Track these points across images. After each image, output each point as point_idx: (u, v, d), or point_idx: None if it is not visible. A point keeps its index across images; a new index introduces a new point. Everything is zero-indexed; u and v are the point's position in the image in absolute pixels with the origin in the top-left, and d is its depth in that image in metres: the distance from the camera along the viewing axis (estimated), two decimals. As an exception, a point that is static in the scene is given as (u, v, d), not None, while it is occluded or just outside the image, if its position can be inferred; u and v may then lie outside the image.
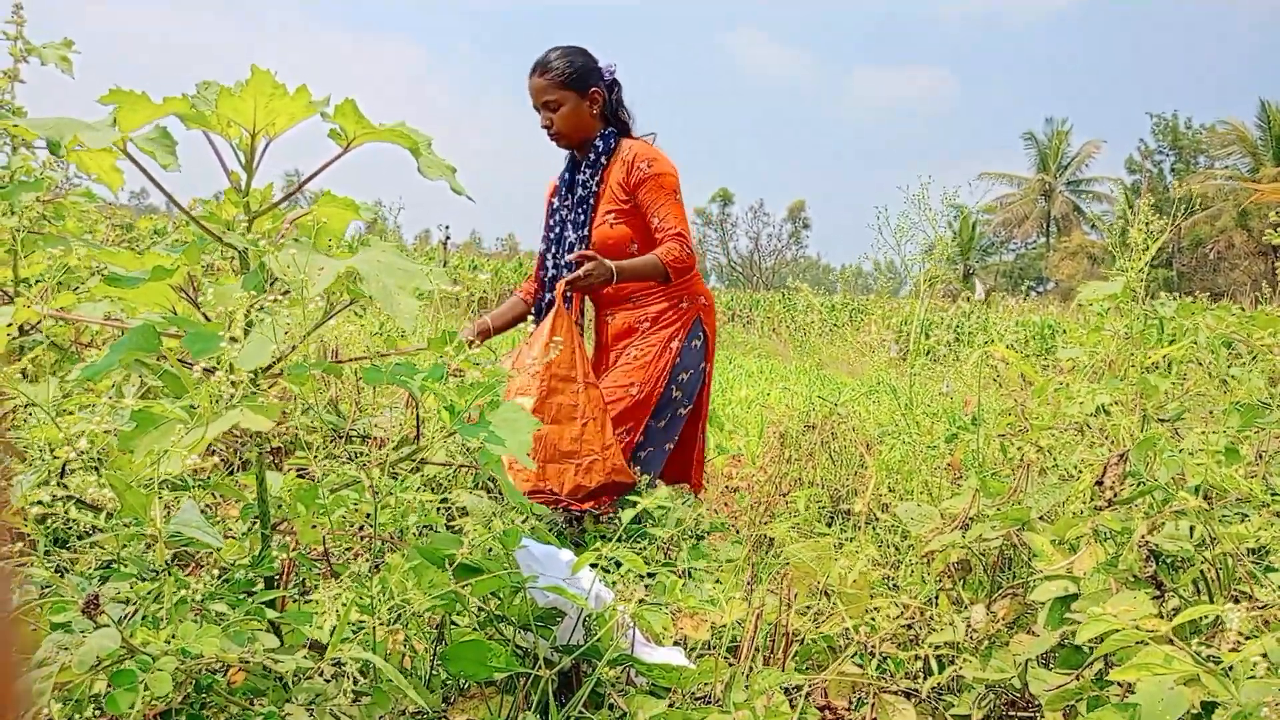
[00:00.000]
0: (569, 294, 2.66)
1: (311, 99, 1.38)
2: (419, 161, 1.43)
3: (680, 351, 2.89)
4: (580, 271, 2.64)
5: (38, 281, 2.23)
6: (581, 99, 2.87)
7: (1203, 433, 1.83)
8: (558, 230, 2.99)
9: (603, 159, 2.91)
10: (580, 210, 2.92)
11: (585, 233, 2.92)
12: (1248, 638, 1.36)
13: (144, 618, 0.96)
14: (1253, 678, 1.21)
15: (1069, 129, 48.97)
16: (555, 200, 3.04)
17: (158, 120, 1.35)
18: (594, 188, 2.90)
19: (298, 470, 2.39)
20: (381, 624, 1.39)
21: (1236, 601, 1.67)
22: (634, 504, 1.49)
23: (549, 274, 3.00)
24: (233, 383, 1.05)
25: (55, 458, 0.96)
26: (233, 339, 1.04)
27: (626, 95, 3.01)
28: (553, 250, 2.99)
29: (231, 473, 2.74)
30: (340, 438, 2.47)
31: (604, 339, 2.99)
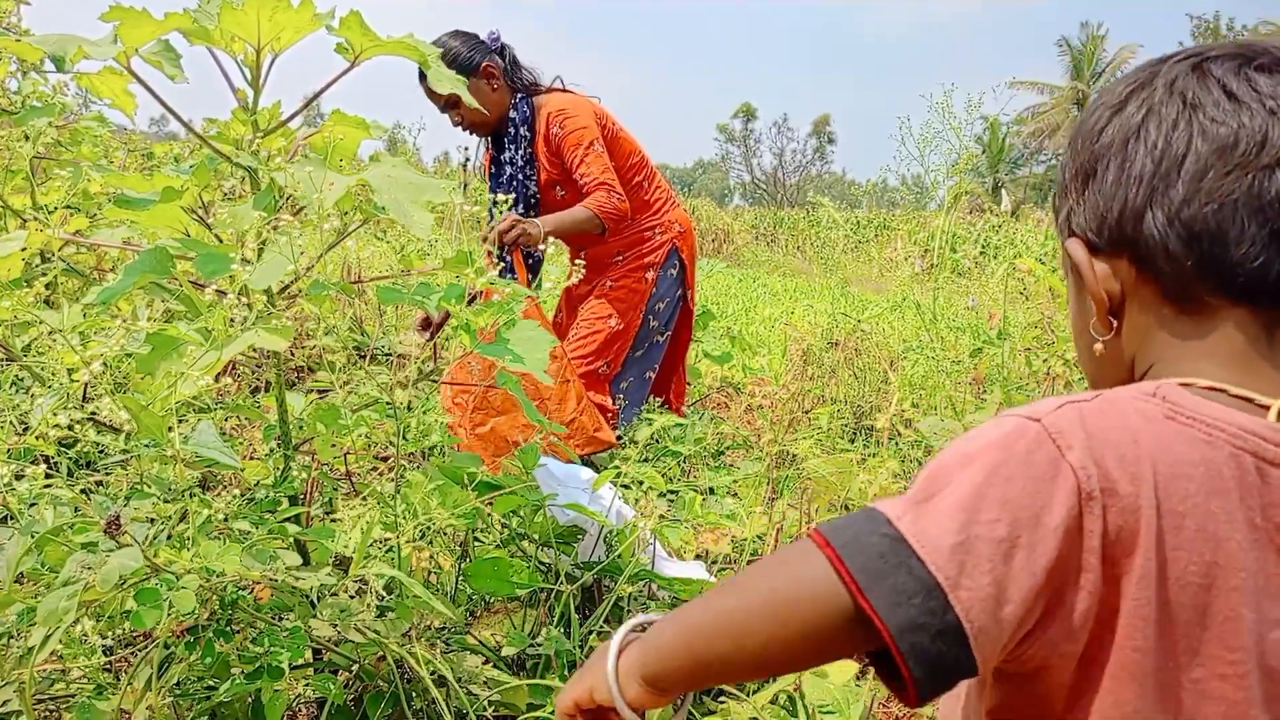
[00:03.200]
0: (506, 256, 2.57)
1: (316, 11, 1.34)
2: (429, 74, 1.39)
3: (656, 281, 2.86)
4: (510, 235, 2.51)
5: (55, 209, 2.23)
6: (477, 80, 2.73)
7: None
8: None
9: (523, 131, 2.79)
10: (512, 186, 2.83)
11: (521, 211, 2.83)
12: None
13: (169, 537, 0.97)
14: None
15: (1104, 34, 47.32)
16: (490, 179, 2.94)
17: (161, 36, 1.32)
18: (520, 164, 2.80)
19: (319, 390, 2.41)
20: (407, 542, 1.40)
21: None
22: (650, 421, 1.48)
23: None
24: (247, 304, 1.04)
25: (74, 381, 0.96)
26: (244, 260, 1.03)
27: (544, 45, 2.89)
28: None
29: (255, 395, 2.77)
30: (364, 357, 2.48)
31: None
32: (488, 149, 2.95)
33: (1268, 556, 0.58)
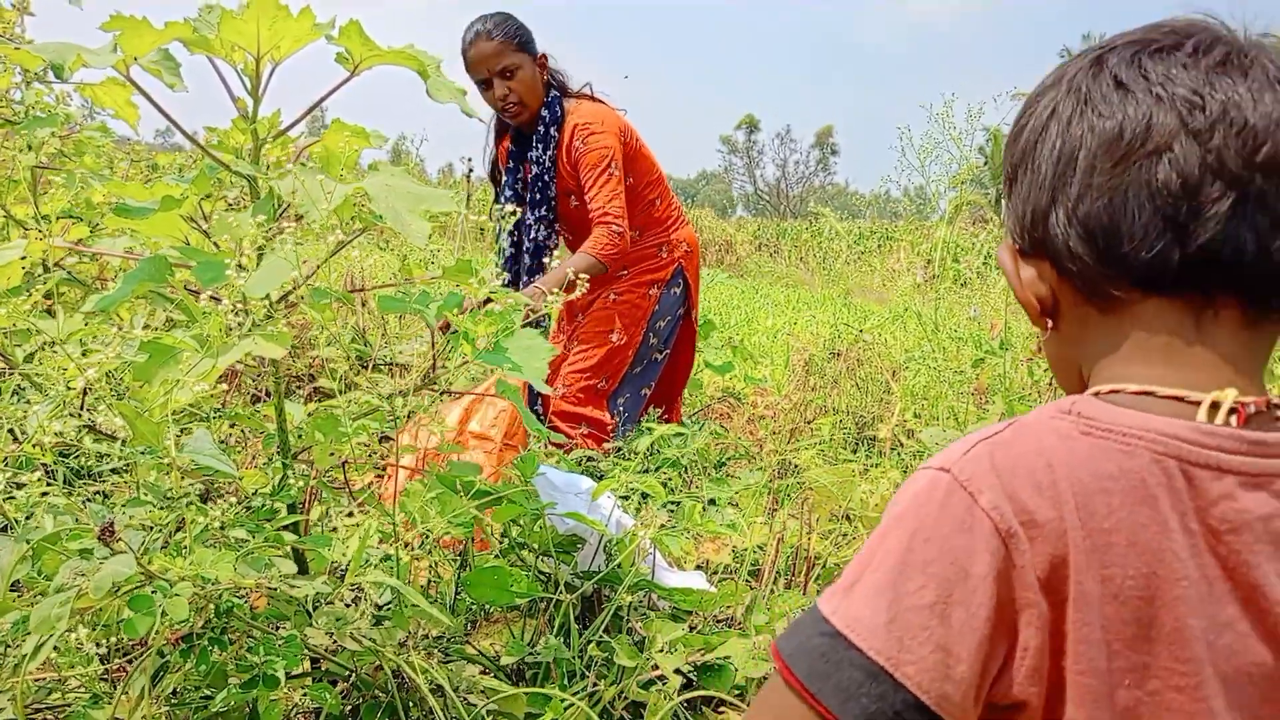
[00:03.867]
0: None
1: (316, 21, 1.34)
2: (428, 84, 1.40)
3: (659, 299, 2.83)
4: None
5: (59, 218, 2.23)
6: (534, 63, 2.68)
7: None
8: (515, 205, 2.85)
9: (552, 131, 2.73)
10: (535, 189, 2.77)
11: (543, 213, 2.78)
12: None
13: (164, 545, 0.97)
14: None
15: (1107, 45, 47.40)
16: (507, 174, 2.87)
17: (161, 46, 1.32)
18: (548, 164, 2.75)
19: (320, 397, 2.40)
20: (406, 551, 1.40)
21: None
22: (649, 431, 1.48)
23: (507, 252, 2.86)
24: (244, 311, 1.04)
25: (70, 389, 0.96)
26: (240, 267, 1.03)
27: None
28: (512, 228, 2.84)
29: (255, 404, 2.77)
30: (365, 367, 2.48)
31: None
32: (501, 140, 2.89)
33: (1206, 561, 0.57)
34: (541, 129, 2.73)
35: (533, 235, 2.81)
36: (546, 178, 2.77)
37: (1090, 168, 0.61)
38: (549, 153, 2.75)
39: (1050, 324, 0.69)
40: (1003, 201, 0.73)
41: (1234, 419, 0.59)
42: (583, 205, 2.73)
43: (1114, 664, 0.57)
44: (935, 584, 0.57)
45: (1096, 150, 0.61)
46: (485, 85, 2.68)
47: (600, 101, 2.83)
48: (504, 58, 2.63)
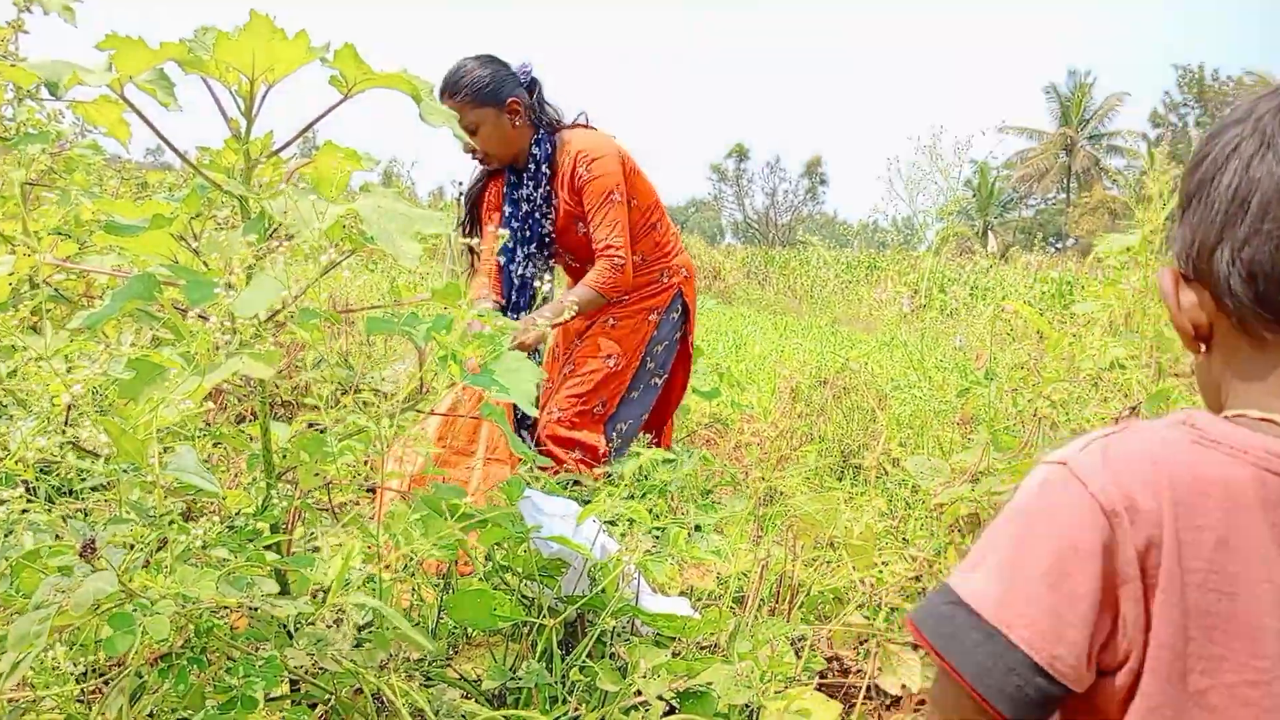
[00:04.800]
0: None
1: (311, 44, 1.35)
2: (420, 108, 1.41)
3: (658, 325, 2.83)
4: (528, 341, 2.44)
5: (45, 236, 2.23)
6: (500, 113, 2.65)
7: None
8: (511, 239, 2.83)
9: (544, 168, 2.73)
10: (527, 225, 2.78)
11: (532, 249, 2.79)
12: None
13: (146, 563, 0.96)
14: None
15: (1092, 81, 48.08)
16: (505, 206, 2.85)
17: (156, 65, 1.33)
18: (539, 201, 2.75)
19: (309, 423, 2.40)
20: (390, 574, 1.39)
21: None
22: (636, 455, 1.48)
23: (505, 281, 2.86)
24: (232, 330, 1.05)
25: (54, 405, 0.96)
26: (229, 286, 1.03)
27: (560, 86, 2.82)
28: (508, 257, 2.84)
29: (241, 424, 2.75)
30: (349, 391, 2.47)
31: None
32: (494, 179, 2.89)
33: None
34: (532, 167, 2.73)
35: (519, 271, 2.81)
36: (538, 214, 2.78)
37: (1262, 213, 0.64)
38: (540, 190, 2.75)
39: (1204, 349, 0.73)
40: (1172, 223, 0.76)
41: None
42: (590, 232, 2.73)
43: (1190, 648, 0.62)
44: (1048, 558, 0.64)
45: (1272, 197, 0.64)
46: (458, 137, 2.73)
47: (595, 130, 2.83)
48: (464, 116, 2.64)
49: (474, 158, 2.78)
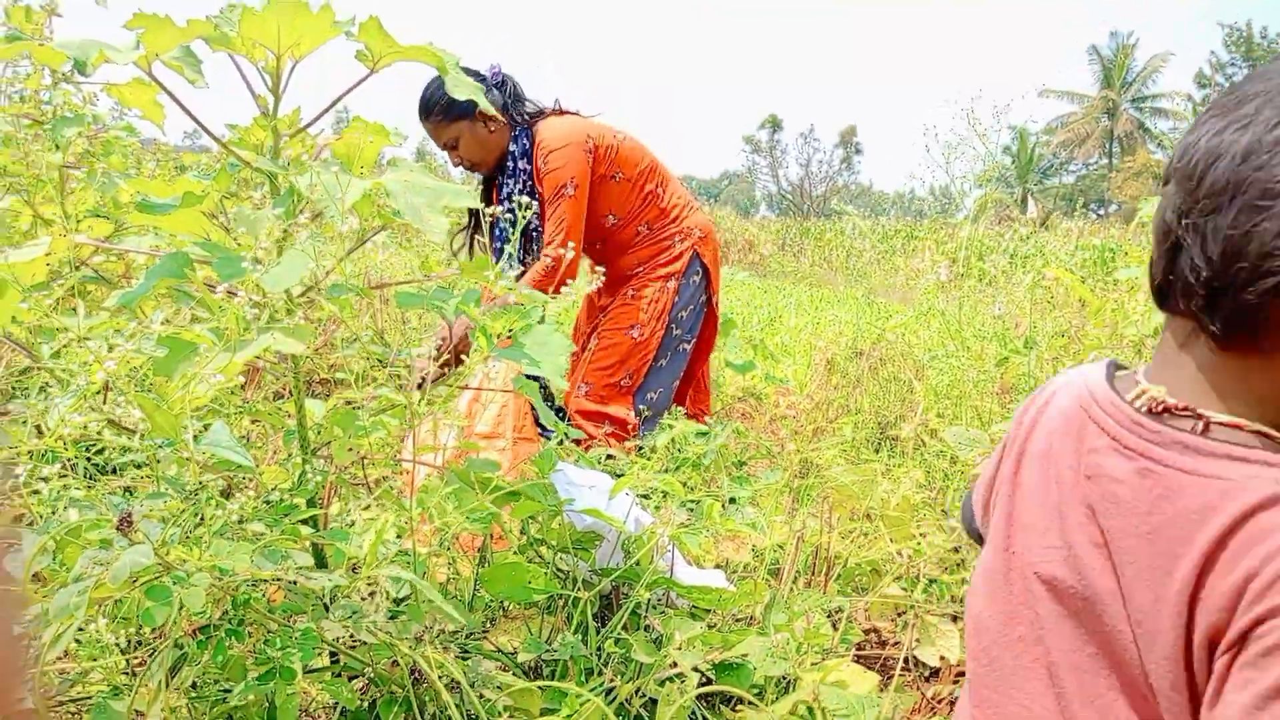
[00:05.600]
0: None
1: (336, 18, 1.35)
2: (446, 80, 1.40)
3: (678, 290, 2.83)
4: (459, 347, 2.44)
5: (83, 218, 2.26)
6: (473, 122, 2.71)
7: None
8: (500, 237, 2.87)
9: (520, 164, 2.76)
10: (511, 222, 2.78)
11: (520, 243, 2.80)
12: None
13: (186, 537, 0.98)
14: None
15: (1135, 42, 46.84)
16: (500, 205, 2.92)
17: (183, 43, 1.33)
18: (519, 198, 2.79)
19: (345, 400, 2.42)
20: (425, 547, 1.40)
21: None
22: (669, 427, 1.47)
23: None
24: (262, 305, 1.05)
25: (90, 382, 0.97)
26: (257, 261, 1.04)
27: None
28: (498, 255, 2.85)
29: (278, 401, 2.78)
30: (384, 366, 2.48)
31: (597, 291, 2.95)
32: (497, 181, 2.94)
33: (1078, 489, 0.70)
34: (511, 164, 2.78)
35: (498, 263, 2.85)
36: (513, 215, 2.82)
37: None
38: (519, 184, 2.79)
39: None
40: None
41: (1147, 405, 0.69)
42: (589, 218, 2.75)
43: (998, 537, 0.78)
44: None
45: None
46: (443, 150, 2.80)
47: (565, 115, 2.82)
48: (441, 134, 2.71)
49: (463, 168, 2.84)
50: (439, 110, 2.69)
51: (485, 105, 1.44)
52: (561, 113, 2.83)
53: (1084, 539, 0.68)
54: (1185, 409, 0.65)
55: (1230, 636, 0.57)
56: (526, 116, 2.79)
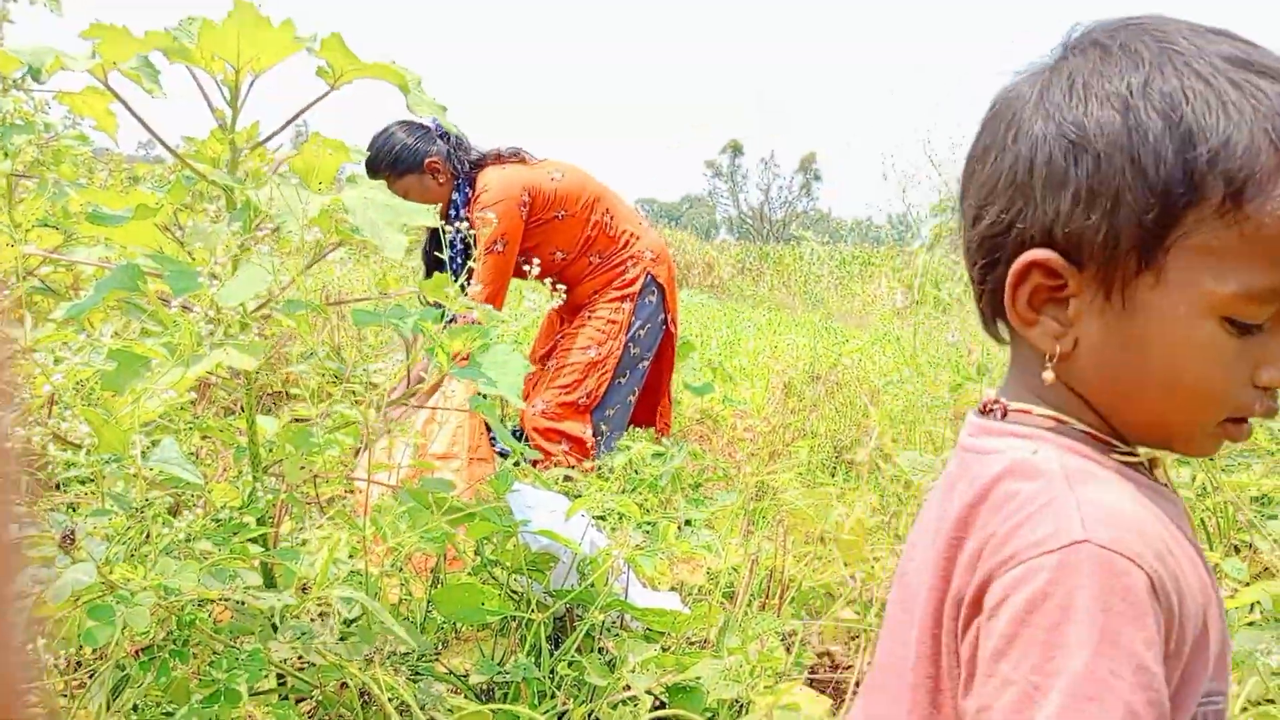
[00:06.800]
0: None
1: (297, 34, 1.34)
2: (408, 99, 1.40)
3: (634, 311, 2.87)
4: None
5: (35, 226, 2.21)
6: (421, 175, 2.73)
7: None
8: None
9: (463, 213, 2.79)
10: (452, 269, 2.81)
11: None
12: (1245, 584, 1.35)
13: (131, 555, 0.95)
14: (1250, 624, 1.20)
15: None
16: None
17: (141, 54, 1.32)
18: (459, 246, 2.79)
19: (295, 417, 2.38)
20: (377, 567, 1.39)
21: (1237, 551, 1.66)
22: (627, 448, 1.47)
23: None
24: (216, 320, 1.03)
25: (35, 396, 0.95)
26: (213, 276, 1.02)
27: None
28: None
29: (229, 417, 2.74)
30: (340, 383, 2.46)
31: (558, 315, 3.00)
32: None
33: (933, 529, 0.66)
34: (453, 213, 2.80)
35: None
36: (461, 259, 2.84)
37: None
38: (459, 236, 2.82)
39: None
40: None
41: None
42: (527, 259, 2.78)
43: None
44: None
45: None
46: None
47: (503, 164, 2.84)
48: (391, 189, 2.72)
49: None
50: (386, 165, 2.71)
51: (447, 124, 1.44)
52: (501, 160, 2.85)
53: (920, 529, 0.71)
54: (996, 402, 0.68)
55: (969, 597, 0.59)
56: (468, 166, 2.81)
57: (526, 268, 2.74)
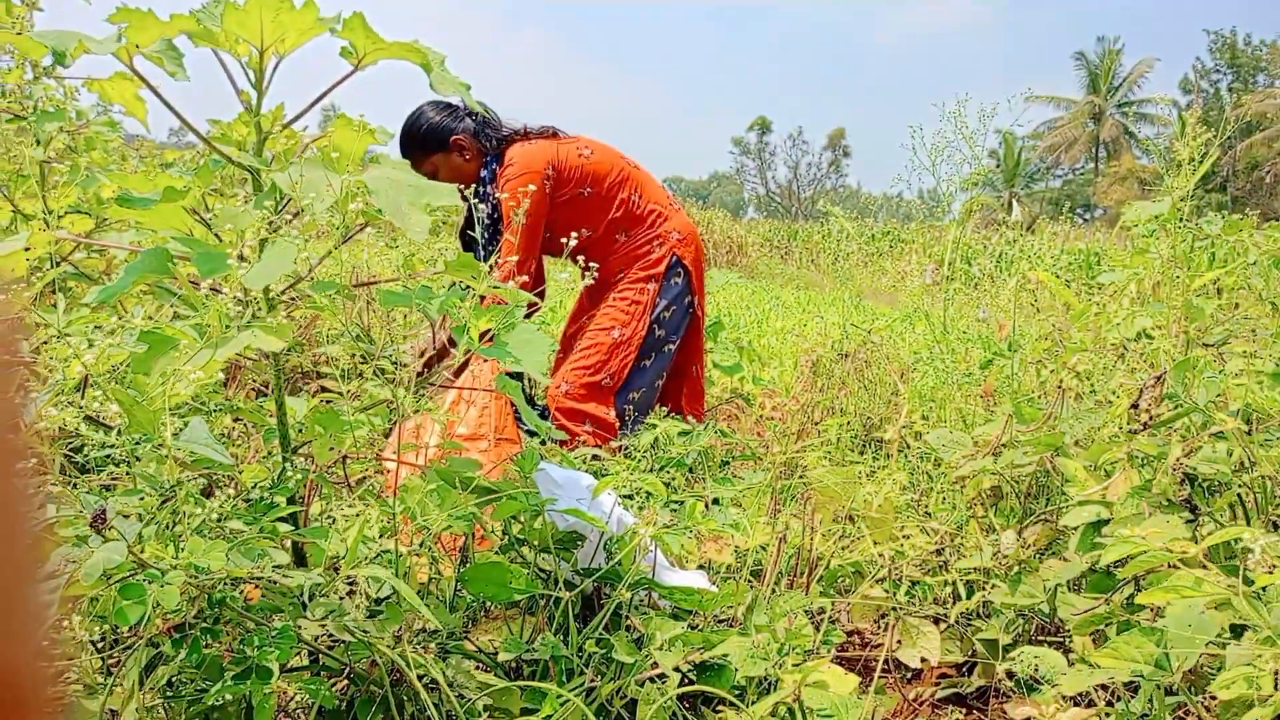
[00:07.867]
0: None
1: (320, 15, 1.34)
2: (431, 78, 1.39)
3: (659, 292, 2.86)
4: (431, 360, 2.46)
5: (67, 213, 2.24)
6: (449, 154, 2.76)
7: (1245, 354, 1.77)
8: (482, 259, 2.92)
9: (490, 189, 2.79)
10: (483, 243, 2.85)
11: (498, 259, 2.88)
12: (1283, 562, 1.32)
13: (161, 534, 0.97)
14: (1287, 602, 1.17)
15: (1121, 48, 47.09)
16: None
17: (165, 37, 1.32)
18: (489, 223, 2.80)
19: (324, 397, 2.40)
20: (406, 546, 1.40)
21: (1276, 527, 1.63)
22: (653, 426, 1.47)
23: None
24: (243, 302, 1.04)
25: (68, 378, 0.96)
26: (240, 258, 1.03)
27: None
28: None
29: (259, 398, 2.77)
30: (368, 362, 2.47)
31: (587, 296, 3.01)
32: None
33: None
34: (482, 190, 2.81)
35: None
36: (489, 234, 2.85)
37: None
38: (489, 209, 2.84)
39: None
40: None
41: None
42: (553, 233, 2.78)
43: None
44: None
45: None
46: None
47: (528, 140, 2.83)
48: (419, 166, 2.75)
49: None
50: (415, 145, 2.75)
51: (472, 102, 1.43)
52: (528, 136, 2.85)
53: None
54: None
55: None
56: (495, 142, 2.81)
57: (563, 240, 2.75)
